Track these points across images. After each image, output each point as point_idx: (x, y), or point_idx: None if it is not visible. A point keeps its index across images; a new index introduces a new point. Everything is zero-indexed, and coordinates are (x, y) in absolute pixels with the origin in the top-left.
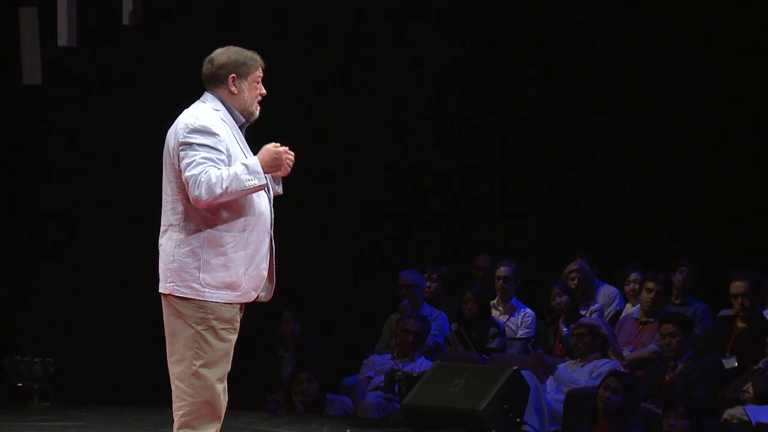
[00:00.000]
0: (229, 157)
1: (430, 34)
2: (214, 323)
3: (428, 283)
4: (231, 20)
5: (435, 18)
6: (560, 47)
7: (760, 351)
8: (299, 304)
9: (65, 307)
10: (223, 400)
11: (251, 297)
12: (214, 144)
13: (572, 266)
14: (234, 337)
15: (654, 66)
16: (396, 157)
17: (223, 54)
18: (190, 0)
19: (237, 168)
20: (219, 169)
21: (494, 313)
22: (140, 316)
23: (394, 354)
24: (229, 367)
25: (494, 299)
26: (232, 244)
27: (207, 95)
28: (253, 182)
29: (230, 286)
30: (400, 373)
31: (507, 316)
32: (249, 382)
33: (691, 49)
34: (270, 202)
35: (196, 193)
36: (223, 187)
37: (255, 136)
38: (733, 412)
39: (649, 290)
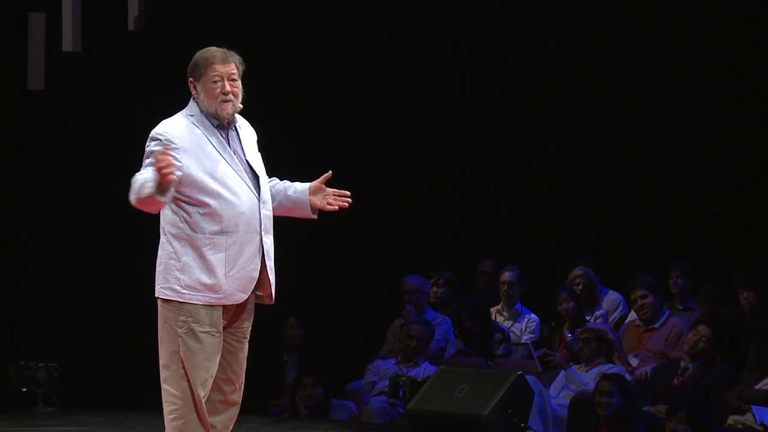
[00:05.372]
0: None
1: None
2: (194, 326)
3: (433, 288)
4: (236, 24)
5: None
6: (560, 48)
7: None
8: (303, 309)
9: (69, 312)
10: (225, 411)
11: (237, 299)
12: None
13: (577, 271)
14: (216, 341)
15: (653, 68)
16: (400, 161)
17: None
18: (196, 5)
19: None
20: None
21: (498, 318)
22: (144, 321)
23: (398, 359)
24: (212, 372)
25: (498, 305)
26: (209, 246)
27: (189, 100)
28: (147, 188)
29: (210, 288)
30: (404, 378)
31: (511, 322)
32: (253, 387)
33: (695, 50)
34: (258, 201)
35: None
36: (133, 192)
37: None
38: (738, 418)
39: (643, 296)
